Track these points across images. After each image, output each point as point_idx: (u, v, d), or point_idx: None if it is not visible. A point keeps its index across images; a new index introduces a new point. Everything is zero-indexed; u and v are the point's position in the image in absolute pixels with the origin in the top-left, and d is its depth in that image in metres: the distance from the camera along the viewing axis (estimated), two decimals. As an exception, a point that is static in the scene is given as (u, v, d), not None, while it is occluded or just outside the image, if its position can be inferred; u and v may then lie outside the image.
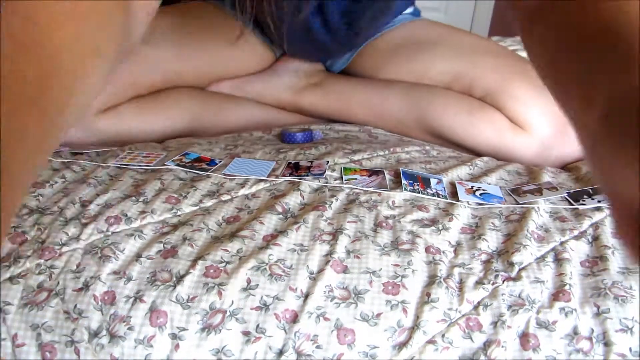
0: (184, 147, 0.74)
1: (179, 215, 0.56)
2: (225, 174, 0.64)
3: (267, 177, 0.64)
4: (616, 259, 0.52)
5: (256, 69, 0.98)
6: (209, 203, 0.58)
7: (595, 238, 0.56)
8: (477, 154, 0.82)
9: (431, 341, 0.45)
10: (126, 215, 0.54)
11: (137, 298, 0.46)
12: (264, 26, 0.92)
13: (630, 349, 0.44)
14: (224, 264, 0.49)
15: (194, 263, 0.49)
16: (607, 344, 0.45)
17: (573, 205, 0.62)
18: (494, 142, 0.81)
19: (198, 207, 0.57)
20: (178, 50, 0.86)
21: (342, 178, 0.64)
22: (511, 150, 0.81)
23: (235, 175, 0.63)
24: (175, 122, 0.85)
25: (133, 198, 0.57)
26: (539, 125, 0.79)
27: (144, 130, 0.82)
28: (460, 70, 0.86)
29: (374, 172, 0.66)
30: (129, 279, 0.48)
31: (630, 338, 0.45)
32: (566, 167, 0.79)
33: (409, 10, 0.98)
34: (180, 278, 0.47)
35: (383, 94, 0.90)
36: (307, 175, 0.64)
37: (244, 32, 0.79)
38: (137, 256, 0.50)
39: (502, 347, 0.44)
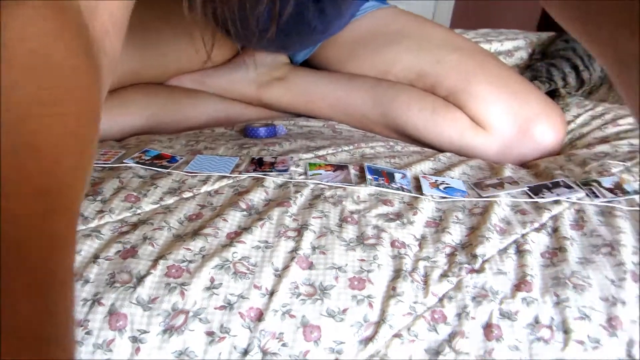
0: (143, 144, 0.72)
1: (138, 214, 0.54)
2: (187, 172, 0.62)
3: (230, 173, 0.63)
4: (575, 249, 0.53)
5: (219, 61, 0.97)
6: (170, 201, 0.57)
7: (555, 230, 0.57)
8: (440, 151, 0.83)
9: (397, 335, 0.45)
10: (83, 215, 0.53)
11: (95, 301, 0.44)
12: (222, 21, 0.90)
13: (588, 336, 0.45)
14: (186, 263, 0.48)
15: (155, 263, 0.47)
16: (566, 331, 0.46)
17: (533, 198, 0.63)
18: (455, 141, 0.82)
19: (159, 205, 0.56)
20: (135, 47, 0.84)
21: (306, 173, 0.64)
22: (472, 149, 0.82)
23: (197, 173, 0.62)
24: (133, 119, 0.83)
25: (90, 197, 0.55)
26: (500, 125, 0.80)
27: (102, 130, 0.80)
28: (425, 68, 0.86)
29: (338, 167, 0.66)
30: (87, 282, 0.46)
31: (589, 325, 0.46)
32: (526, 164, 0.81)
33: None
34: (140, 279, 0.46)
35: (347, 88, 0.89)
36: (271, 171, 0.63)
37: (209, 45, 0.77)
38: (95, 257, 0.48)
39: (466, 338, 0.45)
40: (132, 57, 0.84)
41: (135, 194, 0.56)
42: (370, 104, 0.88)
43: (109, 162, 0.64)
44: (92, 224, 0.52)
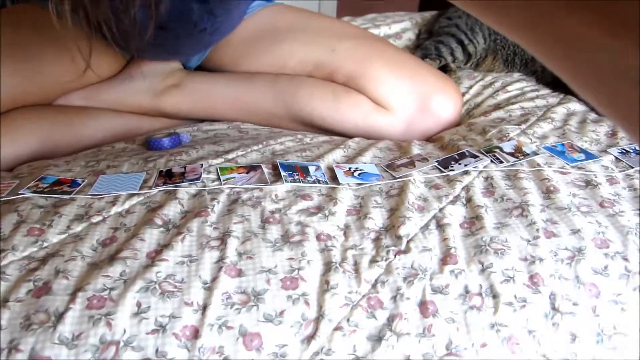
0: (37, 171, 0.66)
1: (45, 247, 0.50)
2: (92, 195, 0.59)
3: (140, 190, 0.60)
4: (489, 216, 0.56)
5: (108, 75, 0.91)
6: (78, 228, 0.53)
7: (468, 200, 0.59)
8: (348, 137, 0.84)
9: (338, 327, 0.45)
10: (-19, 257, 0.48)
11: (12, 348, 0.41)
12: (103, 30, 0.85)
13: (515, 296, 0.48)
14: (107, 292, 0.45)
15: (73, 296, 0.44)
16: (494, 296, 0.48)
17: (444, 172, 0.65)
18: (360, 125, 0.84)
19: (67, 234, 0.52)
20: (15, 68, 0.77)
21: (219, 179, 0.62)
22: (378, 131, 0.84)
23: (103, 195, 0.59)
24: (23, 146, 0.77)
25: (-14, 237, 0.50)
26: (401, 104, 0.83)
27: None
28: (320, 58, 0.86)
29: (251, 168, 0.65)
30: (-2, 329, 0.42)
31: (513, 286, 0.48)
32: (430, 138, 0.84)
33: None
34: (59, 316, 0.43)
35: (247, 87, 0.88)
36: (183, 182, 0.61)
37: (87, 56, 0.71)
38: (4, 301, 0.44)
39: (405, 319, 0.45)
40: (7, 79, 0.77)
41: (38, 226, 0.52)
42: (272, 100, 0.87)
43: (2, 195, 0.59)
44: (-6, 266, 0.47)
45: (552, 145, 0.71)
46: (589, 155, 0.68)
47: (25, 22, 0.81)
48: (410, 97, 0.83)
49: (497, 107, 0.89)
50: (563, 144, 0.71)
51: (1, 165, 0.74)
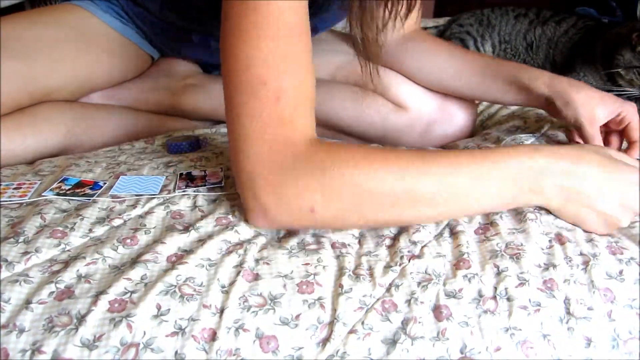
0: (59, 170, 0.68)
1: (68, 250, 0.52)
2: (112, 196, 0.60)
3: (160, 192, 0.61)
4: (505, 222, 0.56)
5: (134, 75, 0.93)
6: (100, 231, 0.54)
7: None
8: (364, 139, 0.85)
9: (352, 331, 0.45)
10: (6, 260, 0.49)
11: (35, 350, 0.42)
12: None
13: (529, 300, 0.48)
14: (128, 294, 0.46)
15: (95, 299, 0.45)
16: (509, 299, 0.48)
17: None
18: (379, 126, 0.84)
19: (88, 237, 0.53)
20: (46, 63, 0.79)
21: (237, 183, 0.63)
22: (397, 132, 0.84)
23: (123, 196, 0.60)
24: (47, 139, 0.78)
25: (11, 239, 0.52)
26: (420, 103, 0.83)
27: (13, 151, 0.75)
28: (341, 62, 0.87)
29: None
30: (22, 331, 0.43)
31: (528, 289, 0.49)
32: (446, 146, 0.84)
33: None
34: (81, 318, 0.44)
35: None
36: (204, 185, 0.62)
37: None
38: (27, 303, 0.45)
39: (419, 322, 0.46)
40: (47, 72, 0.79)
41: (61, 229, 0.54)
42: None
43: (26, 197, 0.60)
44: (18, 269, 0.49)
45: None
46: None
47: (72, 24, 0.84)
48: (428, 96, 0.84)
49: (512, 116, 0.89)
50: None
51: (25, 157, 0.76)
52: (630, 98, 0.89)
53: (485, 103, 0.99)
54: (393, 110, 0.84)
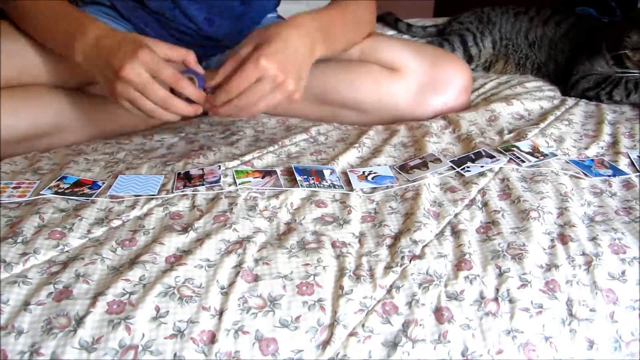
0: (57, 168, 0.67)
1: (67, 251, 0.51)
2: (111, 196, 0.59)
3: (158, 192, 0.60)
4: (507, 221, 0.56)
5: None
6: (98, 232, 0.54)
7: (485, 204, 0.59)
8: (361, 110, 0.86)
9: (353, 333, 0.45)
10: (5, 260, 0.49)
11: (33, 352, 0.42)
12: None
13: (531, 302, 0.48)
14: (127, 296, 0.46)
15: (93, 301, 0.45)
16: (511, 300, 0.48)
17: (460, 172, 0.65)
18: (374, 93, 0.85)
19: (87, 238, 0.53)
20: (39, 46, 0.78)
21: (235, 183, 0.63)
22: (392, 96, 0.85)
23: (122, 196, 0.59)
24: (39, 116, 0.77)
25: (10, 240, 0.51)
26: (412, 64, 0.84)
27: (8, 126, 0.74)
28: None
29: (267, 173, 0.65)
30: (20, 333, 0.43)
31: (530, 291, 0.48)
32: (446, 118, 0.83)
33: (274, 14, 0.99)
34: (80, 320, 0.43)
35: None
36: (202, 184, 0.62)
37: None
38: (25, 305, 0.45)
39: (420, 325, 0.46)
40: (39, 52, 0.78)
41: (59, 229, 0.53)
42: None
43: (25, 197, 0.60)
44: (17, 269, 0.48)
45: (581, 160, 0.70)
46: (617, 171, 0.67)
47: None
48: (420, 58, 0.85)
49: (516, 97, 0.90)
50: (592, 160, 0.70)
51: (17, 133, 0.75)
52: (637, 80, 0.89)
53: (487, 87, 1.01)
54: (387, 75, 0.85)
